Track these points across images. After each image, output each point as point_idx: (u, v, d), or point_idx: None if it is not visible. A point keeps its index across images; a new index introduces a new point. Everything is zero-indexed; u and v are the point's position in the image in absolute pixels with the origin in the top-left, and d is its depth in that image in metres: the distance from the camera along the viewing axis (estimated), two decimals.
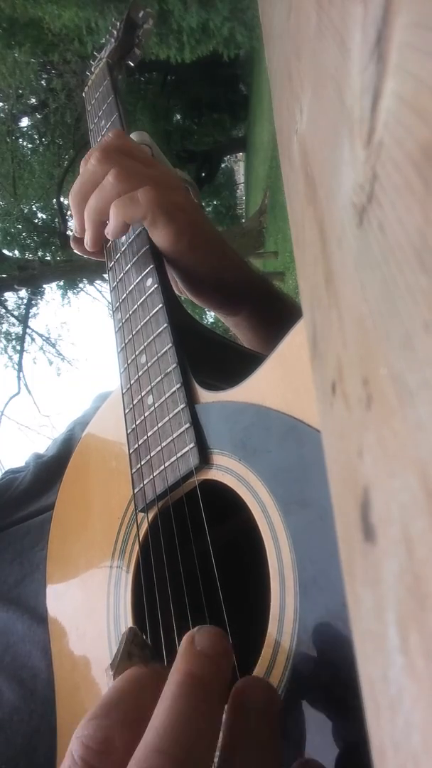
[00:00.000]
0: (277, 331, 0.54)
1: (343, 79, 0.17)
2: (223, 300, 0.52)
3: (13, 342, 8.81)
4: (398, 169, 0.12)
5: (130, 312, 0.46)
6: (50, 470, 0.55)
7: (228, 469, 0.33)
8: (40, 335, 9.29)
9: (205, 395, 0.37)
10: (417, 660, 0.09)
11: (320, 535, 0.27)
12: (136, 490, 0.39)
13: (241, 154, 12.93)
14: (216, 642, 0.23)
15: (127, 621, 0.37)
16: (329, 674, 0.24)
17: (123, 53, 0.71)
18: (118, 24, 0.71)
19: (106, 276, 0.52)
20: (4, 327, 8.78)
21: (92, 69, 0.71)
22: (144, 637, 0.27)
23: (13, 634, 0.44)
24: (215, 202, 12.81)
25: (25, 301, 8.81)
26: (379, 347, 0.12)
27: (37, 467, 0.56)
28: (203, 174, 11.27)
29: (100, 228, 0.48)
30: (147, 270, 0.45)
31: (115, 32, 0.71)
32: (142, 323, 0.44)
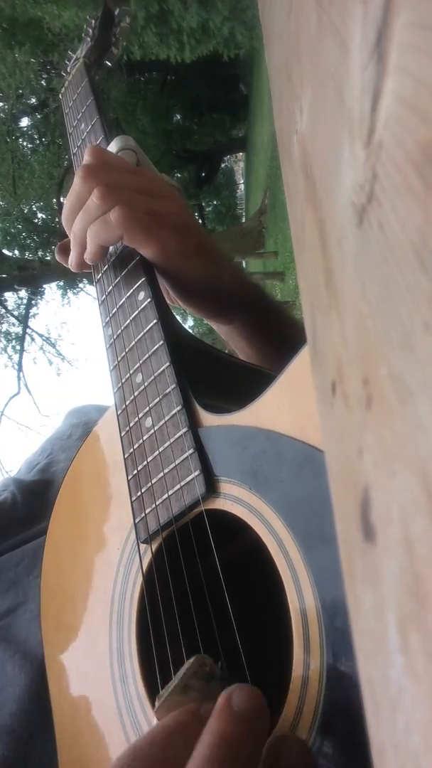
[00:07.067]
0: (271, 340, 0.53)
1: (343, 79, 0.17)
2: (216, 308, 0.51)
3: (13, 342, 8.81)
4: (398, 169, 0.12)
5: (122, 327, 0.43)
6: (36, 494, 0.52)
7: (238, 499, 0.31)
8: (40, 335, 9.29)
9: (208, 418, 0.35)
10: (417, 660, 0.09)
11: None
12: (137, 520, 0.36)
13: (241, 154, 12.93)
14: (254, 704, 0.23)
15: (132, 659, 0.34)
16: (361, 724, 0.23)
17: (100, 53, 0.67)
18: (93, 22, 0.68)
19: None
20: (4, 327, 8.79)
21: (68, 69, 0.68)
22: (218, 666, 0.25)
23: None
24: (215, 202, 12.81)
25: (25, 301, 8.82)
26: (379, 347, 0.12)
27: (22, 492, 0.53)
28: (203, 174, 11.27)
29: (84, 250, 0.47)
30: (138, 283, 0.43)
31: (90, 31, 0.68)
32: (135, 340, 0.41)
